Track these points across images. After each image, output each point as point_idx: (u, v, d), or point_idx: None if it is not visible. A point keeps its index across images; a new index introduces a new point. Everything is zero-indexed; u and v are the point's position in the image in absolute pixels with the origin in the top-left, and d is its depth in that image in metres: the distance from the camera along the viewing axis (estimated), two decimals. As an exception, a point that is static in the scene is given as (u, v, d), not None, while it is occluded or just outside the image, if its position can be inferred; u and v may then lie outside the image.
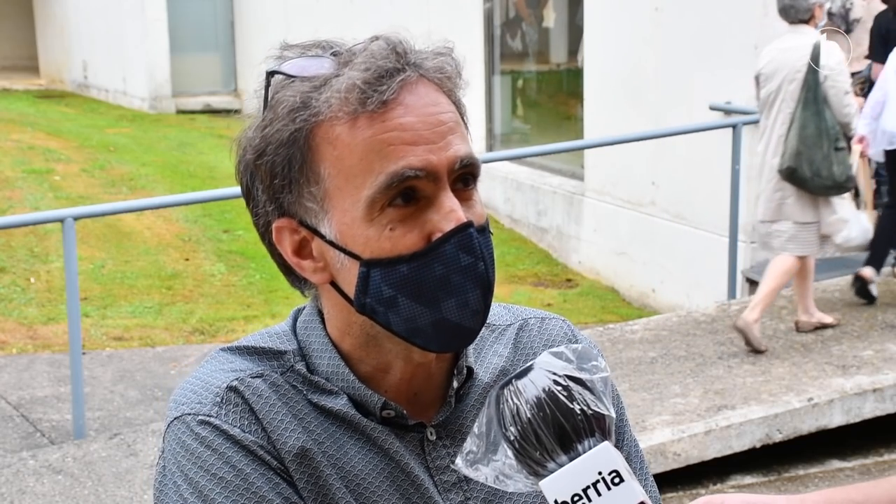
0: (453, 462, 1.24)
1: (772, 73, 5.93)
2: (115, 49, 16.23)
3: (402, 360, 1.24)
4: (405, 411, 1.26)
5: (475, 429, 1.10)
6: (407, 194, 1.17)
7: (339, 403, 1.24)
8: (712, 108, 7.42)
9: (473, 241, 1.18)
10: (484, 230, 1.20)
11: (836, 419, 5.21)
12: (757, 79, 6.07)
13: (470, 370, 1.30)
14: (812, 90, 5.80)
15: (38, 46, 19.08)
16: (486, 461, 1.08)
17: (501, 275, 8.50)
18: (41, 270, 8.34)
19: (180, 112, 15.27)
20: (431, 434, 1.27)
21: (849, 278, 6.75)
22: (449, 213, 1.17)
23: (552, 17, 10.39)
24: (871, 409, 5.28)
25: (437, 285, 1.17)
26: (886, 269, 6.78)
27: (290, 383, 1.25)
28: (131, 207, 7.32)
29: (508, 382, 1.09)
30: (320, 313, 1.29)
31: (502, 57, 10.46)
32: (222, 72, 15.81)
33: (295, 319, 1.32)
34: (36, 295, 7.92)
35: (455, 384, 1.29)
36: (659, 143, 7.64)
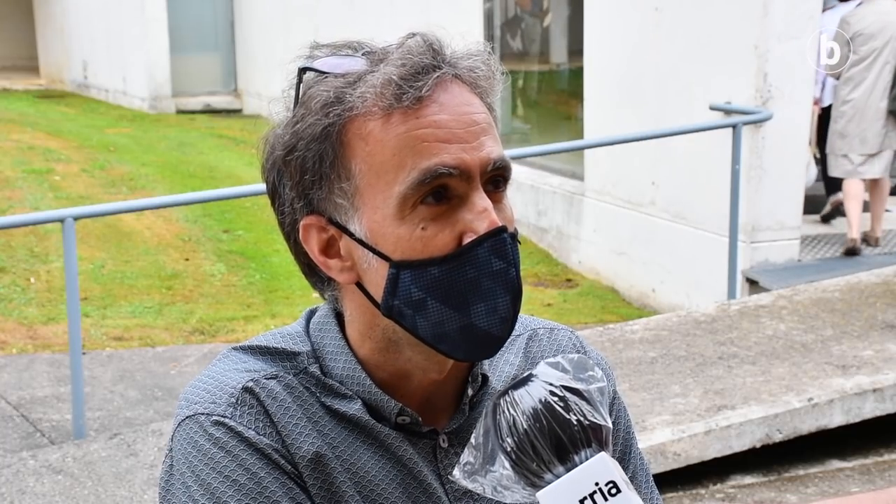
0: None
1: (876, 32, 7.28)
2: (115, 49, 16.24)
3: (420, 371, 1.23)
4: (420, 418, 1.25)
5: (472, 440, 1.09)
6: (439, 193, 1.16)
7: (353, 408, 1.23)
8: (712, 108, 7.42)
9: (507, 247, 1.17)
10: (514, 237, 1.20)
11: (836, 419, 5.21)
12: (851, 38, 7.27)
13: (485, 377, 1.30)
14: None
15: (38, 46, 19.10)
16: (484, 472, 1.08)
17: (501, 275, 8.48)
18: (41, 270, 8.34)
19: (180, 112, 15.27)
20: (444, 441, 1.26)
21: (849, 278, 6.76)
22: (481, 212, 1.17)
23: (552, 17, 10.39)
24: (871, 409, 5.27)
25: (467, 289, 1.16)
26: (889, 270, 6.78)
27: (304, 385, 1.24)
28: (131, 207, 7.32)
29: (505, 393, 1.09)
30: (337, 316, 1.28)
31: (502, 57, 10.45)
32: (222, 72, 15.82)
33: (308, 321, 1.30)
34: (36, 295, 7.92)
35: (470, 392, 1.28)
36: (659, 143, 7.64)
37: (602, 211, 8.64)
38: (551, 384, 1.08)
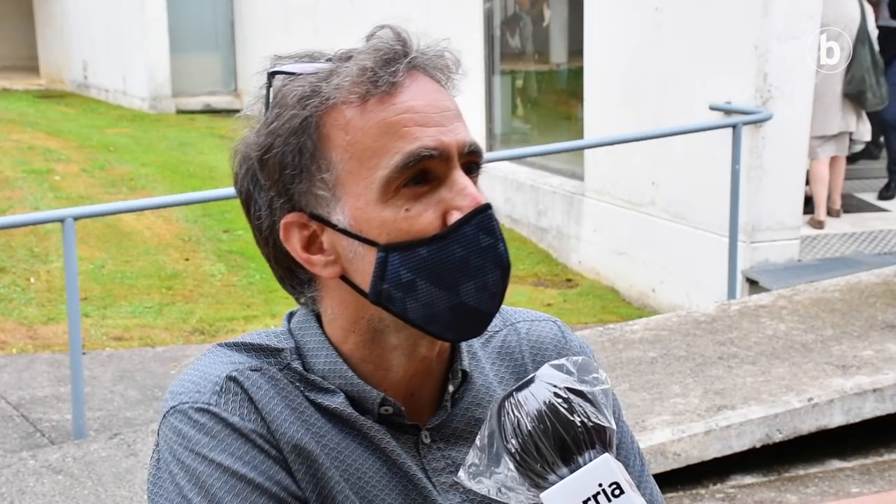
0: (449, 464, 1.26)
1: (832, 21, 7.55)
2: (115, 49, 16.24)
3: (405, 357, 1.25)
4: (403, 408, 1.26)
5: (477, 441, 1.10)
6: (419, 175, 1.18)
7: (337, 402, 1.24)
8: (712, 108, 7.42)
9: (493, 223, 1.20)
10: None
11: (836, 419, 5.21)
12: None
13: (465, 374, 1.31)
14: (866, 33, 7.80)
15: (38, 46, 19.10)
16: (489, 474, 1.09)
17: (501, 275, 8.49)
18: (41, 270, 8.34)
19: (180, 112, 15.27)
20: (426, 437, 1.27)
21: (849, 278, 6.76)
22: (462, 189, 1.19)
23: (552, 17, 10.39)
24: (871, 409, 5.27)
25: (456, 267, 1.18)
26: (889, 270, 6.78)
27: (288, 380, 1.25)
28: (131, 207, 7.31)
29: (509, 395, 1.09)
30: (317, 316, 1.29)
31: (502, 57, 10.46)
32: (222, 72, 15.82)
33: (289, 321, 1.33)
34: (36, 295, 7.92)
35: (451, 388, 1.29)
36: (659, 143, 7.64)
37: (602, 211, 8.64)
38: (555, 386, 1.08)
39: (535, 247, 9.26)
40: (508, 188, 9.51)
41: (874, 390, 5.28)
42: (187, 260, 8.77)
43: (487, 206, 1.19)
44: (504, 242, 1.21)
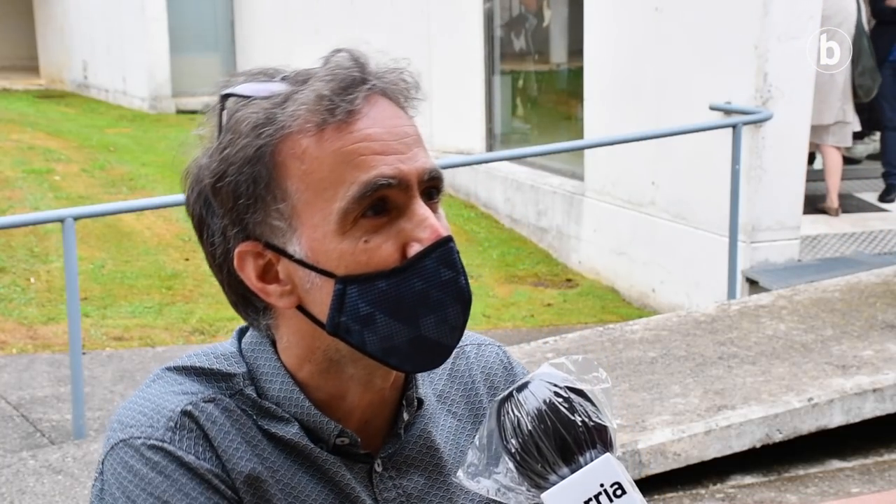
0: (400, 494, 1.24)
1: (832, 14, 7.67)
2: (115, 49, 16.24)
3: (361, 387, 1.22)
4: (359, 439, 1.23)
5: (476, 441, 1.09)
6: (378, 205, 1.15)
7: (290, 432, 1.21)
8: (712, 108, 7.42)
9: (454, 256, 1.17)
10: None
11: (836, 419, 5.20)
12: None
13: (420, 401, 1.29)
14: (862, 26, 7.98)
15: (38, 46, 19.10)
16: (488, 474, 1.08)
17: (501, 275, 8.50)
18: (41, 270, 8.34)
19: (180, 112, 15.26)
20: (378, 466, 1.25)
21: (849, 278, 6.76)
22: (422, 220, 1.16)
23: (552, 17, 10.39)
24: (871, 409, 5.27)
25: (416, 301, 1.15)
26: (889, 270, 6.78)
27: (241, 408, 1.21)
28: (131, 207, 7.30)
29: (510, 395, 1.09)
30: (272, 340, 1.25)
31: (502, 57, 10.46)
32: (222, 72, 15.78)
33: (239, 339, 1.29)
34: (36, 295, 7.92)
35: (406, 416, 1.27)
36: (659, 143, 7.64)
37: (602, 211, 8.64)
38: (556, 385, 1.07)
39: (535, 247, 9.26)
40: (508, 188, 9.51)
41: (874, 390, 5.28)
42: (187, 260, 8.77)
43: (449, 239, 1.16)
44: (465, 275, 1.18)
